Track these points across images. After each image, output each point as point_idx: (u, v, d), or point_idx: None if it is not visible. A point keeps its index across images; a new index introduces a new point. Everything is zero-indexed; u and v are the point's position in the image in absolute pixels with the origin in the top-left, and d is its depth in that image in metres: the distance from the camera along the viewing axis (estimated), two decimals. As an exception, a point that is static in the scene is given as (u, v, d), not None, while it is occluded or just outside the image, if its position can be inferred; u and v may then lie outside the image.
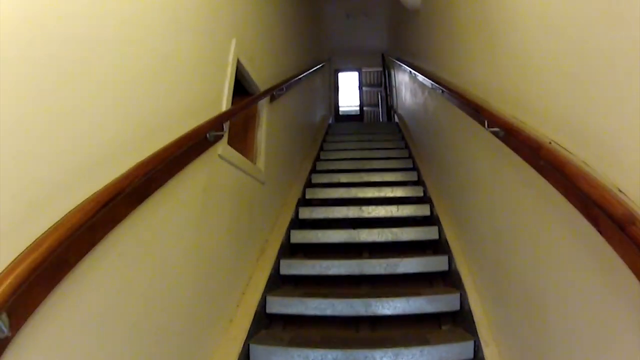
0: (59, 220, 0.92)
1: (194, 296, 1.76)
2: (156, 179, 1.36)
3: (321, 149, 5.28)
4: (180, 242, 1.62)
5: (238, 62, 2.24)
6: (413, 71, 4.50)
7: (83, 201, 0.99)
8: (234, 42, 2.17)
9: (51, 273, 0.93)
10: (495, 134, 1.72)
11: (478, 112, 1.84)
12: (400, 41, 6.19)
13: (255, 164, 2.65)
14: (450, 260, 2.75)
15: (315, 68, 5.25)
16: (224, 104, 2.00)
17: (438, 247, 3.10)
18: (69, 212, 0.95)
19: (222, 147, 1.95)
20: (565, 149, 1.30)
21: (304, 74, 4.40)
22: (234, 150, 2.16)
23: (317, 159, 4.90)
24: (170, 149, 1.37)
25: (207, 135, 1.74)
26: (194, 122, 1.69)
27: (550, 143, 1.34)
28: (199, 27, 1.81)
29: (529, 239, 1.65)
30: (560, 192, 1.31)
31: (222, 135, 1.90)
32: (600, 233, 1.14)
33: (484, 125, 1.88)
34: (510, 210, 1.84)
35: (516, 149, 1.58)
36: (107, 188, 1.04)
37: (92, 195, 1.01)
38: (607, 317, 1.16)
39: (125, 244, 1.23)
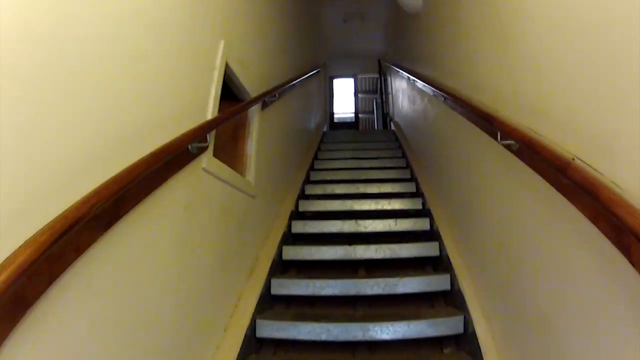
0: (7, 258, 0.79)
1: (177, 323, 1.62)
2: (128, 199, 1.22)
3: (315, 157, 5.15)
4: (160, 265, 1.49)
5: (227, 65, 2.10)
6: (412, 77, 4.40)
7: (35, 233, 0.85)
8: (222, 44, 2.04)
9: (6, 316, 0.83)
10: (508, 146, 1.60)
11: (490, 122, 1.71)
12: (398, 46, 6.10)
13: (244, 176, 2.51)
14: (453, 279, 2.62)
15: (310, 74, 5.13)
16: (210, 112, 1.86)
17: (439, 264, 2.97)
18: (19, 247, 0.82)
19: (207, 160, 1.81)
20: (590, 166, 1.18)
21: (299, 80, 4.27)
22: (220, 163, 2.02)
23: (311, 168, 4.77)
24: (143, 164, 1.23)
25: (189, 146, 1.60)
26: (176, 131, 1.55)
27: (573, 159, 1.22)
28: (183, 27, 1.67)
29: (544, 262, 1.51)
30: (585, 215, 1.18)
31: (207, 147, 1.76)
32: (633, 265, 1.02)
33: (493, 137, 1.76)
34: (522, 230, 1.71)
35: (534, 165, 1.45)
36: (62, 217, 0.90)
37: (45, 225, 0.88)
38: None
39: (93, 273, 1.10)
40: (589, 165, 1.18)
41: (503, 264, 1.97)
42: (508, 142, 1.57)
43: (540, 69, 1.48)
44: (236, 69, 2.23)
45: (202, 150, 1.73)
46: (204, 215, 1.89)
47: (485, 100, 2.05)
